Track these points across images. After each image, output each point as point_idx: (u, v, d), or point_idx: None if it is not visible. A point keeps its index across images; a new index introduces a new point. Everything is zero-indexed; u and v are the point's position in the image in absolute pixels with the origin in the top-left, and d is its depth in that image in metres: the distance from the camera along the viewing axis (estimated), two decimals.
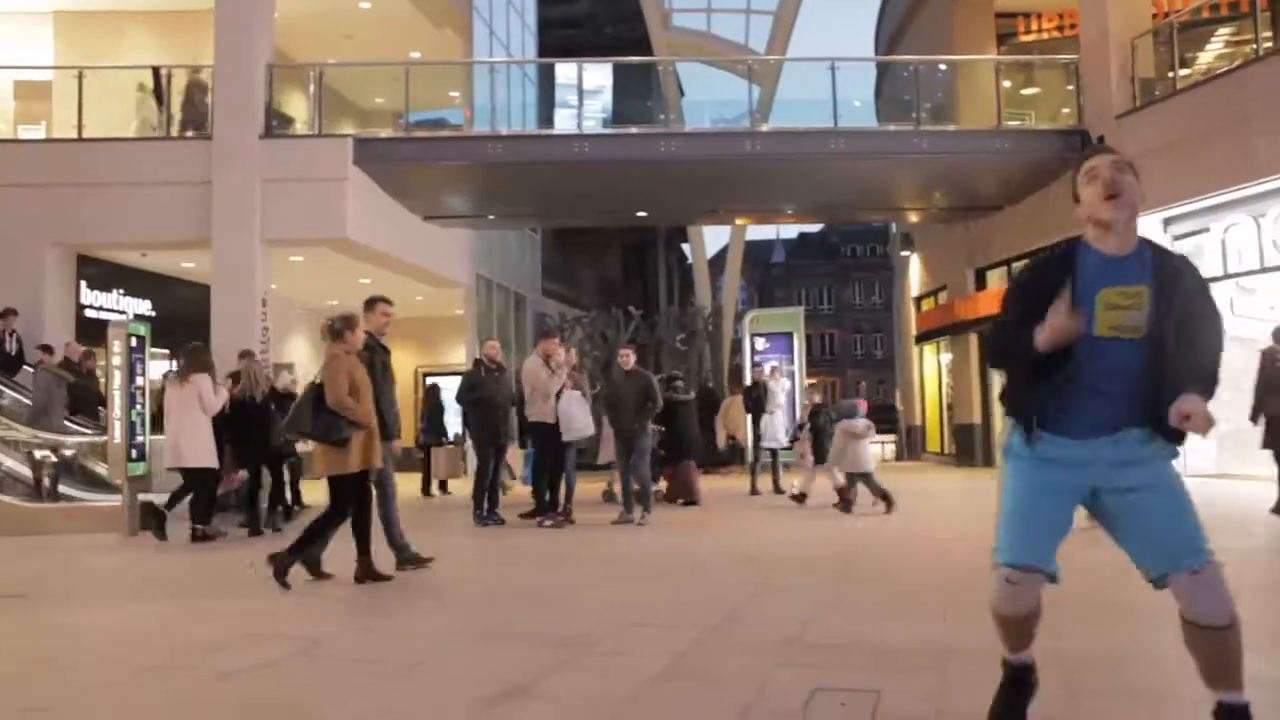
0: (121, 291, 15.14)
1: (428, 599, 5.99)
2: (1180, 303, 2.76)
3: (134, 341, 10.46)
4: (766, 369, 14.30)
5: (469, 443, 12.24)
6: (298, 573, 6.14)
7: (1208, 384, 2.73)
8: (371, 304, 7.20)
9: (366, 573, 6.32)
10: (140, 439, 10.32)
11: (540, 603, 5.69)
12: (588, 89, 16.10)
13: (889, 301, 40.14)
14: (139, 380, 10.48)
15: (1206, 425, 2.65)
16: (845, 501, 10.27)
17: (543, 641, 4.47)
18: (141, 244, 14.38)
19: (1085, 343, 2.74)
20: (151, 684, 3.93)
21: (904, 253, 24.81)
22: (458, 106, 18.11)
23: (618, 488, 10.73)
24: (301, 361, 16.75)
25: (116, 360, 10.30)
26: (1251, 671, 2.71)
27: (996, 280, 18.61)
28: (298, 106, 15.56)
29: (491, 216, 19.37)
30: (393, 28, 17.62)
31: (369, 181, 14.74)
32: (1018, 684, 3.09)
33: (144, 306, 15.35)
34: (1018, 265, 17.71)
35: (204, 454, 9.23)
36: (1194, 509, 2.76)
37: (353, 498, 6.30)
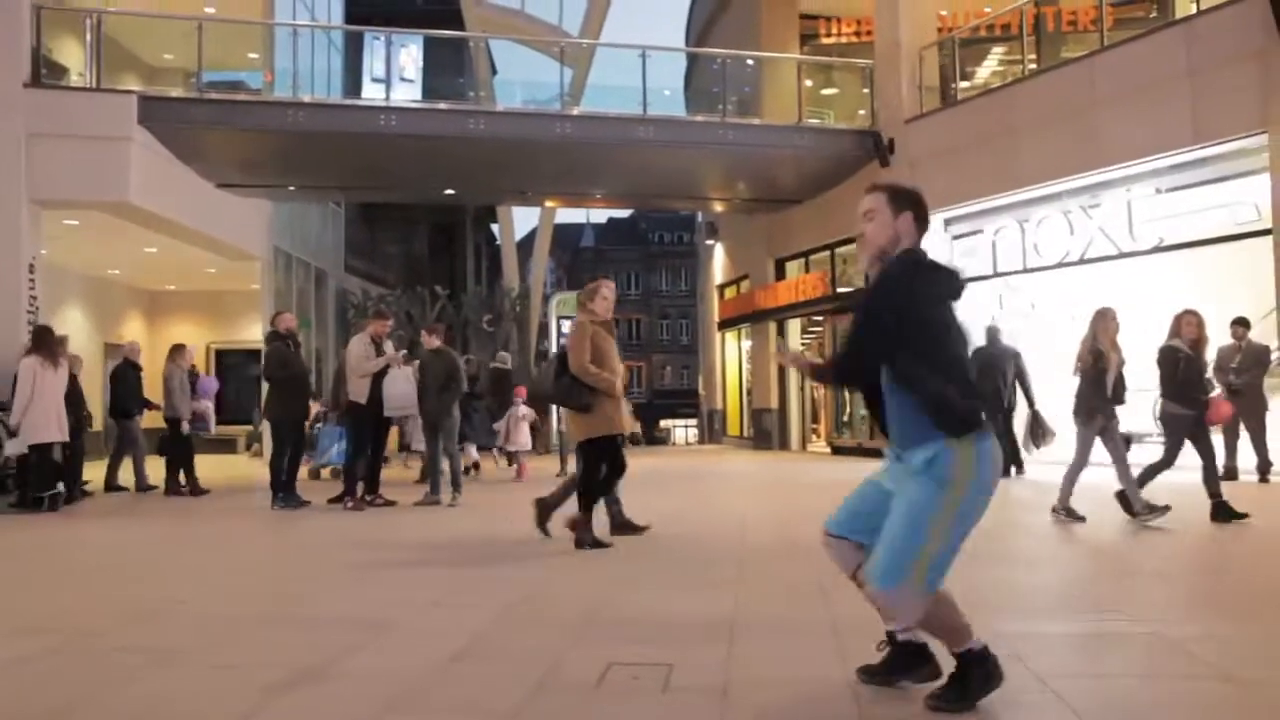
0: None
1: (198, 585, 5.73)
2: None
3: None
4: None
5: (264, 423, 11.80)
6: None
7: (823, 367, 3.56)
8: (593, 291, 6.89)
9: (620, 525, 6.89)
10: None
11: (334, 586, 5.56)
12: (397, 61, 15.66)
13: (695, 289, 41.21)
14: None
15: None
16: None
17: (338, 625, 4.39)
18: None
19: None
20: None
21: (708, 241, 25.54)
22: (257, 69, 17.21)
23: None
24: (77, 334, 15.48)
25: None
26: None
27: (795, 271, 19.48)
28: (73, 56, 14.36)
29: (291, 187, 18.56)
30: None
31: (155, 143, 13.79)
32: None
33: None
34: (815, 257, 18.62)
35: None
36: (903, 537, 2.93)
37: (604, 463, 6.53)
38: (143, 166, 13.41)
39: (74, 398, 10.50)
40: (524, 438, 13.33)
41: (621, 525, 7.07)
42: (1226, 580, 5.39)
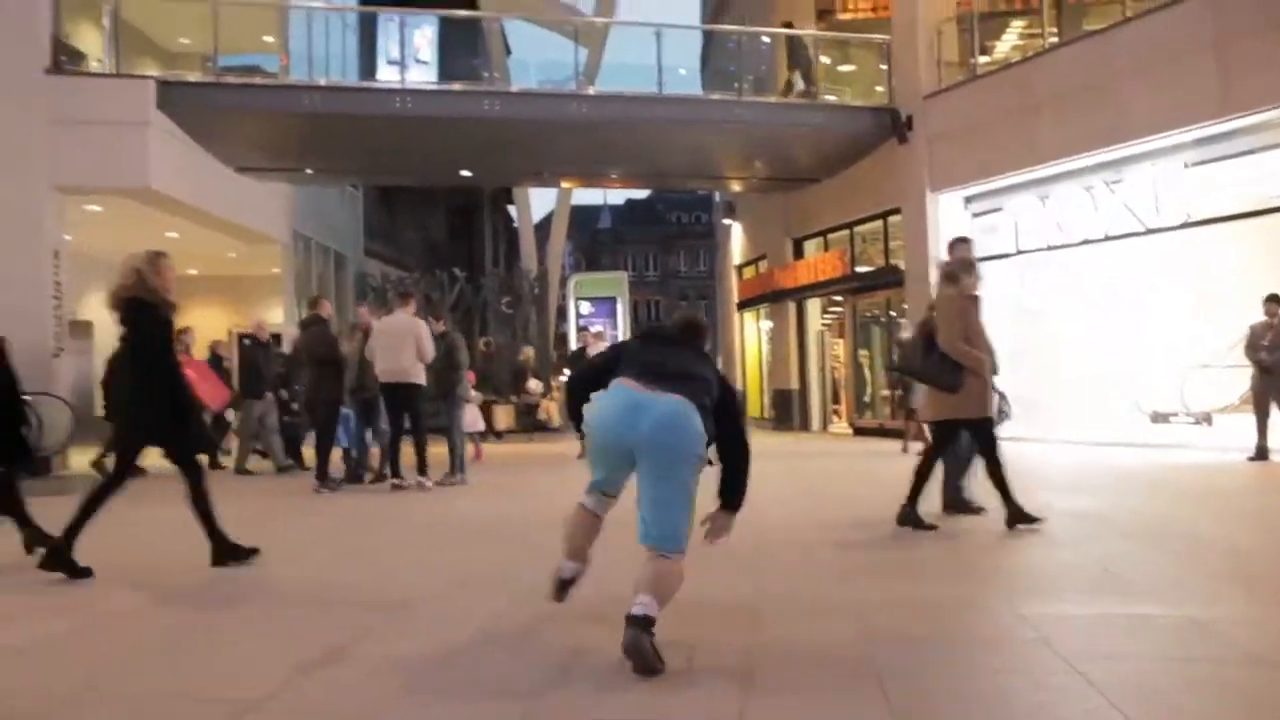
0: None
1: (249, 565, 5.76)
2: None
3: None
4: (590, 332, 14.40)
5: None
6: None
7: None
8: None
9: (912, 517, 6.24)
10: None
11: (359, 566, 5.58)
12: (412, 43, 15.61)
13: (713, 269, 41.07)
14: None
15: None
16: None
17: (361, 605, 4.41)
18: None
19: None
20: None
21: (726, 221, 25.43)
22: (273, 53, 17.21)
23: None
24: (101, 319, 15.56)
25: None
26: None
27: (813, 250, 19.38)
28: (92, 42, 14.39)
29: (309, 171, 18.59)
30: None
31: (175, 128, 13.83)
32: None
33: None
34: (833, 236, 18.51)
35: None
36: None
37: (949, 445, 6.25)
38: (162, 151, 13.45)
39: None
40: (473, 418, 13.48)
41: (958, 505, 6.78)
42: (1258, 562, 5.33)
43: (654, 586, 3.38)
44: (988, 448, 6.25)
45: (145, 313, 5.41)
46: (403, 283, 24.09)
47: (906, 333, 14.12)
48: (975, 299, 6.37)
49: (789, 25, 17.20)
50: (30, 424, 7.87)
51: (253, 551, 5.49)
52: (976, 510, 6.71)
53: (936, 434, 6.49)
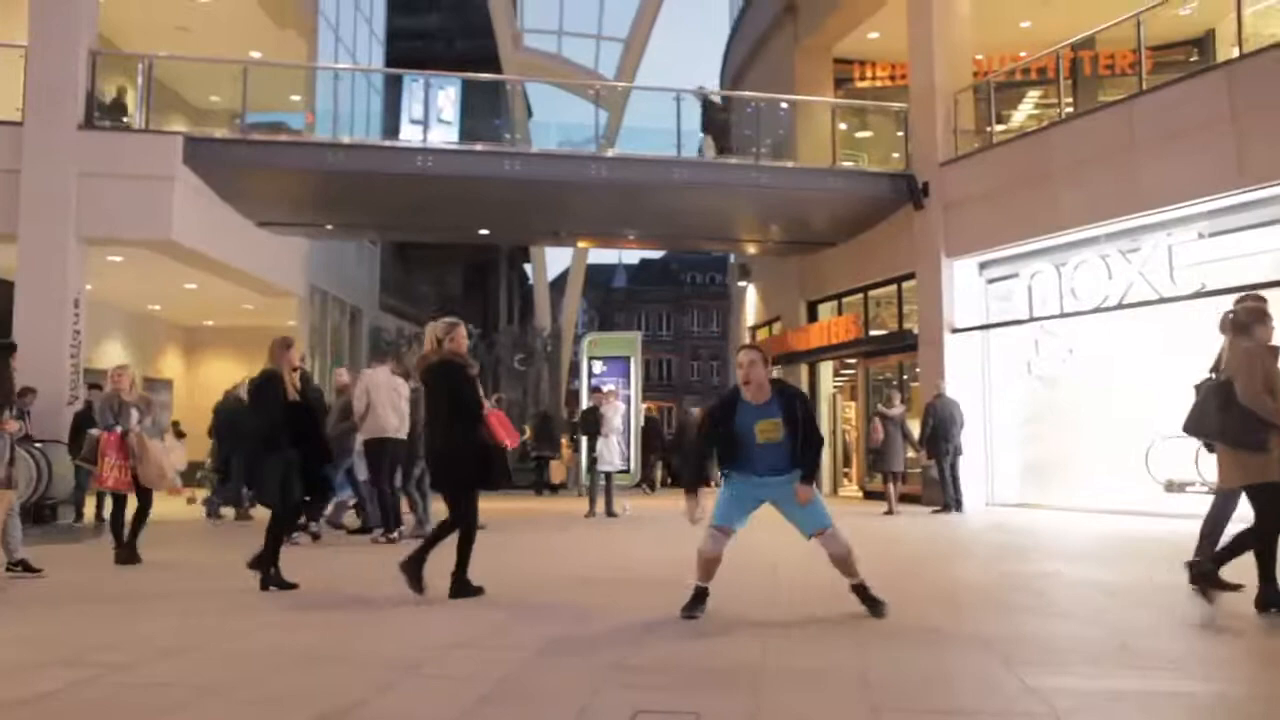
0: None
1: (245, 619, 5.73)
2: (797, 417, 5.47)
3: None
4: (603, 391, 14.41)
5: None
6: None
7: (811, 472, 5.54)
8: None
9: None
10: None
11: (361, 625, 5.54)
12: (435, 103, 15.90)
13: (726, 330, 41.17)
14: None
15: (807, 498, 5.48)
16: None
17: (364, 665, 4.36)
18: None
19: (750, 448, 5.48)
20: None
21: (741, 283, 25.55)
22: (299, 111, 17.56)
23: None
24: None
25: None
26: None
27: (827, 313, 19.42)
28: (125, 99, 14.73)
29: (329, 226, 18.83)
30: (232, 24, 16.99)
31: (199, 183, 14.09)
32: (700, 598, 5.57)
33: None
34: (848, 300, 18.57)
35: None
36: (818, 503, 5.55)
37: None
38: (186, 205, 13.69)
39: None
40: None
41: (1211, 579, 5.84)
42: (1277, 638, 5.21)
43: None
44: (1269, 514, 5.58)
45: (458, 373, 6.24)
46: (416, 338, 24.21)
47: (896, 409, 14.27)
48: (1275, 350, 5.78)
49: (701, 89, 17.49)
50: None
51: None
52: (1233, 588, 5.83)
53: (1257, 501, 5.68)
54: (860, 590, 5.50)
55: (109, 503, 9.18)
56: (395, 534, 9.74)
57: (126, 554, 8.00)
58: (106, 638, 5.06)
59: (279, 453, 6.59)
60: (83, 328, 13.12)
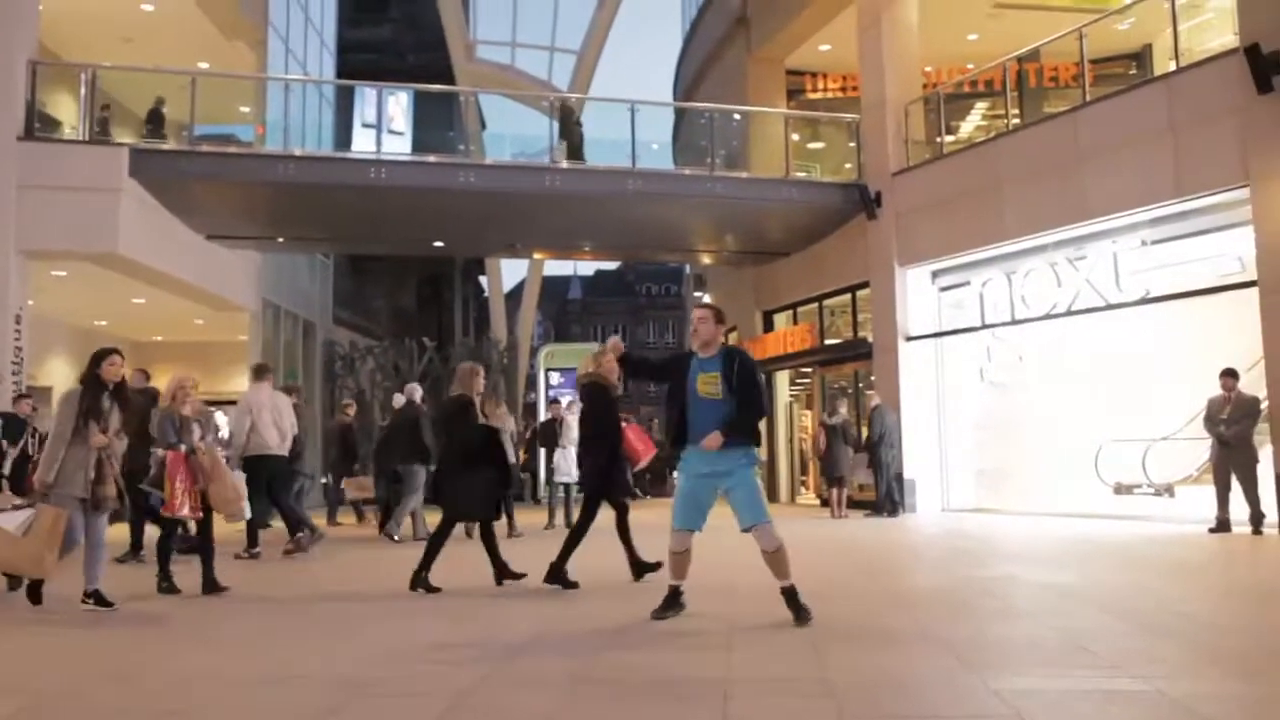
0: None
1: (194, 640, 5.61)
2: (733, 374, 5.59)
3: None
4: (563, 404, 14.34)
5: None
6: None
7: (736, 430, 5.57)
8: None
9: None
10: None
11: (316, 642, 5.44)
12: (387, 115, 15.77)
13: (682, 341, 41.26)
14: None
15: (713, 445, 5.52)
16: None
17: (320, 683, 4.29)
18: None
19: (693, 399, 5.65)
20: None
21: (696, 293, 25.66)
22: (249, 122, 17.33)
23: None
24: (61, 385, 15.37)
25: None
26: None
27: (783, 322, 19.55)
28: (67, 110, 14.44)
29: (281, 239, 18.59)
30: (178, 35, 16.73)
31: (146, 195, 13.83)
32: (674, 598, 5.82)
33: None
34: (803, 309, 18.71)
35: None
36: (758, 494, 5.66)
37: None
38: (132, 218, 13.43)
39: None
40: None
41: None
42: (1228, 636, 5.32)
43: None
44: None
45: (603, 394, 7.23)
46: (370, 351, 23.97)
47: (836, 417, 14.82)
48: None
49: (565, 104, 17.46)
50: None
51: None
52: None
53: None
54: (789, 594, 5.55)
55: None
56: (294, 541, 9.84)
57: (169, 584, 7.34)
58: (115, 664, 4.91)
59: (481, 470, 7.19)
60: (24, 344, 12.80)
